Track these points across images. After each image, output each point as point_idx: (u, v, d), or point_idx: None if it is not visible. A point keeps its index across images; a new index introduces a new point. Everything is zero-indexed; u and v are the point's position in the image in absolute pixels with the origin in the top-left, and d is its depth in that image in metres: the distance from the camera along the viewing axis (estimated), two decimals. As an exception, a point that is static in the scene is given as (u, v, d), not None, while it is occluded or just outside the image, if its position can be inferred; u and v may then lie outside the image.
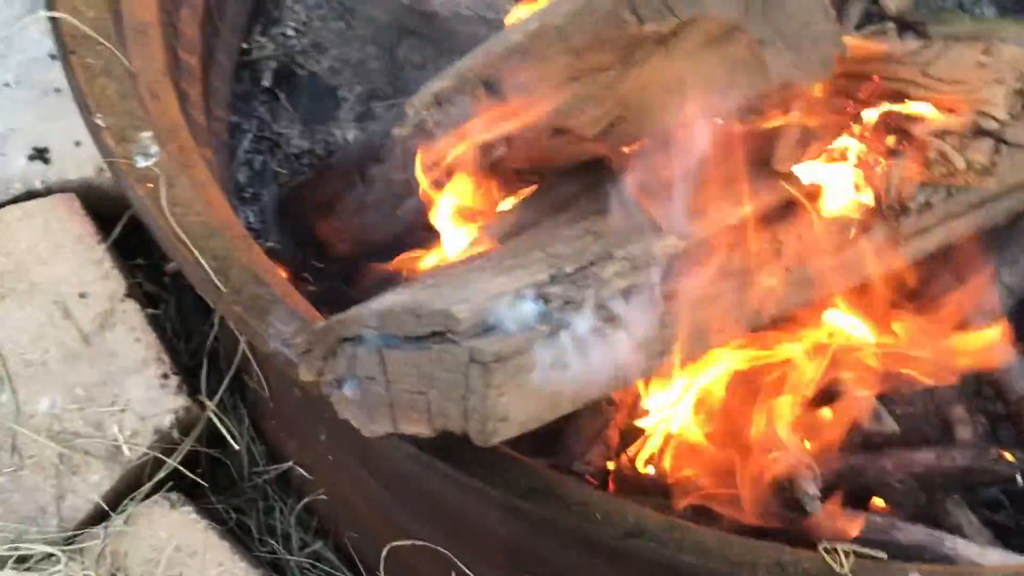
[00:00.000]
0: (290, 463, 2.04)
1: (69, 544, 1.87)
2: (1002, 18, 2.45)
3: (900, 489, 1.72)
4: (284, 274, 1.93)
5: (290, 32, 2.40)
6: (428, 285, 1.35)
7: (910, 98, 1.36)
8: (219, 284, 1.40)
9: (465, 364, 1.19)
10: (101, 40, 1.56)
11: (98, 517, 1.92)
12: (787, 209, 1.50)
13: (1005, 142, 1.29)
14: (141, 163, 1.47)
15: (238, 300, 1.40)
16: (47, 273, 2.10)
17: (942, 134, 1.31)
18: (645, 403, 1.74)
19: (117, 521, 1.89)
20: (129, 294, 2.09)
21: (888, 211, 1.40)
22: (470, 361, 1.19)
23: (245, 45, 2.35)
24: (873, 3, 2.27)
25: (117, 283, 2.09)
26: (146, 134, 1.50)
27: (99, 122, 1.49)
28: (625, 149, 1.51)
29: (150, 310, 2.09)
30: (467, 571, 1.59)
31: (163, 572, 1.86)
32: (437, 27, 2.23)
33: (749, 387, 1.69)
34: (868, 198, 1.41)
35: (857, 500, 1.73)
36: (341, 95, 2.37)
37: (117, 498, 1.93)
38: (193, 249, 1.42)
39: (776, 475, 1.64)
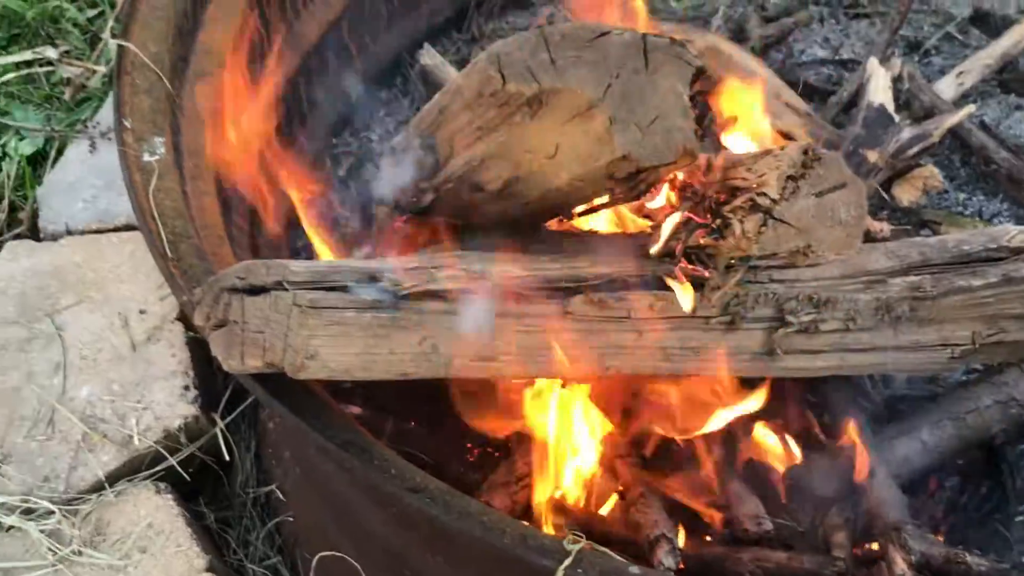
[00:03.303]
0: (273, 486, 2.33)
1: (67, 506, 2.19)
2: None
3: (751, 578, 1.84)
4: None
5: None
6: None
7: (739, 190, 1.58)
8: (168, 252, 1.72)
9: (289, 307, 1.47)
10: (152, 67, 1.93)
11: (98, 489, 2.23)
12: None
13: (772, 217, 1.48)
14: (146, 158, 1.82)
15: (177, 266, 1.70)
16: (121, 289, 2.52)
17: (735, 210, 1.52)
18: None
19: (109, 494, 2.21)
20: (179, 318, 2.46)
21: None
22: (293, 304, 1.47)
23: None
24: (887, 194, 2.51)
25: (172, 307, 2.48)
26: (159, 139, 1.86)
27: (126, 123, 1.85)
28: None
29: (192, 333, 2.44)
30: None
31: (132, 543, 2.15)
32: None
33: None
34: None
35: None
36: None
37: (118, 478, 2.25)
38: (158, 222, 1.74)
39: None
